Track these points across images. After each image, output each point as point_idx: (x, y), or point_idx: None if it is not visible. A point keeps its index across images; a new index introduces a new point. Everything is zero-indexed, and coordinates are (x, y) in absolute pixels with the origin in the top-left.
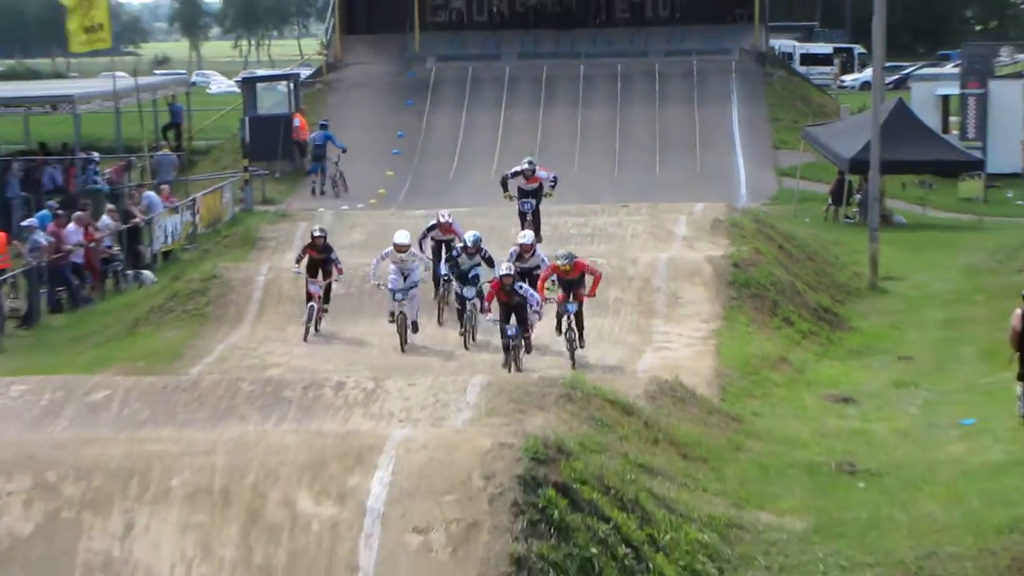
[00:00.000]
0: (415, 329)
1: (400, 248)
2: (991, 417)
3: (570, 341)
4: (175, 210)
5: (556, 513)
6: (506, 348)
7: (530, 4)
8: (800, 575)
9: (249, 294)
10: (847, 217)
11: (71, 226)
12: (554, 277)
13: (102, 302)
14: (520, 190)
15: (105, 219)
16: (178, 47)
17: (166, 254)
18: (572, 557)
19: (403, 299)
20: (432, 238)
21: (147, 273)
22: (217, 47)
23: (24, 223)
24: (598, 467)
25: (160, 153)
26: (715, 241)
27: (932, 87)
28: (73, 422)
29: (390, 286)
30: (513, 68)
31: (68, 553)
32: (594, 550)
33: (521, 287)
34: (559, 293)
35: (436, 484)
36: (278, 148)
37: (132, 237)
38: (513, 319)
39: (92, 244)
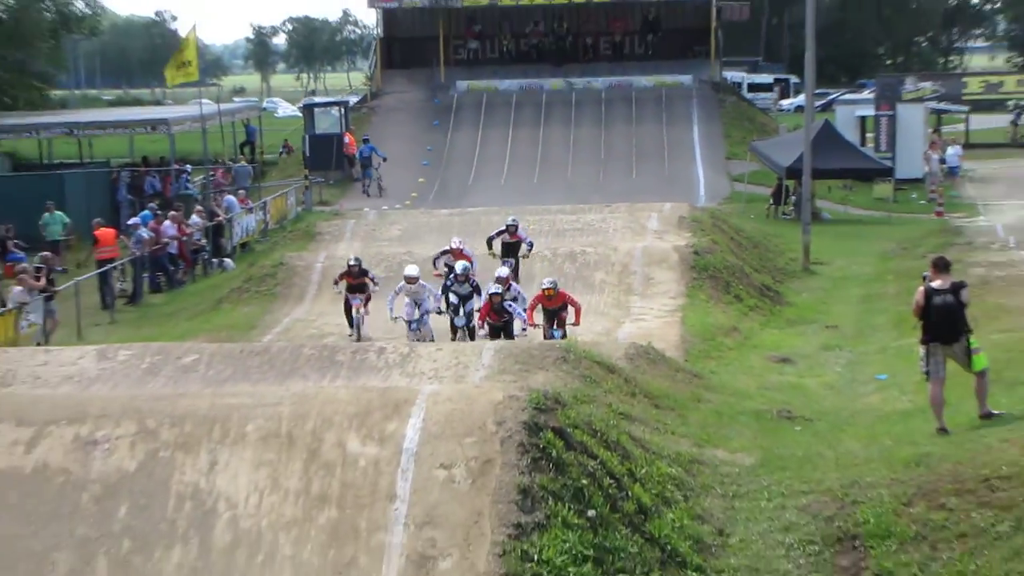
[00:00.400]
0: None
1: (410, 280)
2: (900, 373)
3: None
4: (250, 210)
5: (554, 451)
6: None
7: (532, 44)
8: (749, 501)
9: (309, 277)
10: (784, 214)
11: (167, 223)
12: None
13: (192, 284)
14: (503, 245)
15: (195, 218)
16: (251, 79)
17: (243, 245)
18: (567, 487)
19: (417, 329)
20: (445, 263)
21: (228, 261)
22: (283, 79)
23: (130, 221)
24: (587, 415)
25: (238, 165)
26: (680, 234)
27: (852, 110)
28: (169, 380)
29: (405, 318)
30: (518, 95)
31: (164, 485)
32: (584, 481)
33: (510, 306)
34: (543, 323)
35: (458, 429)
36: (332, 160)
37: (216, 232)
38: (502, 336)
39: (184, 238)
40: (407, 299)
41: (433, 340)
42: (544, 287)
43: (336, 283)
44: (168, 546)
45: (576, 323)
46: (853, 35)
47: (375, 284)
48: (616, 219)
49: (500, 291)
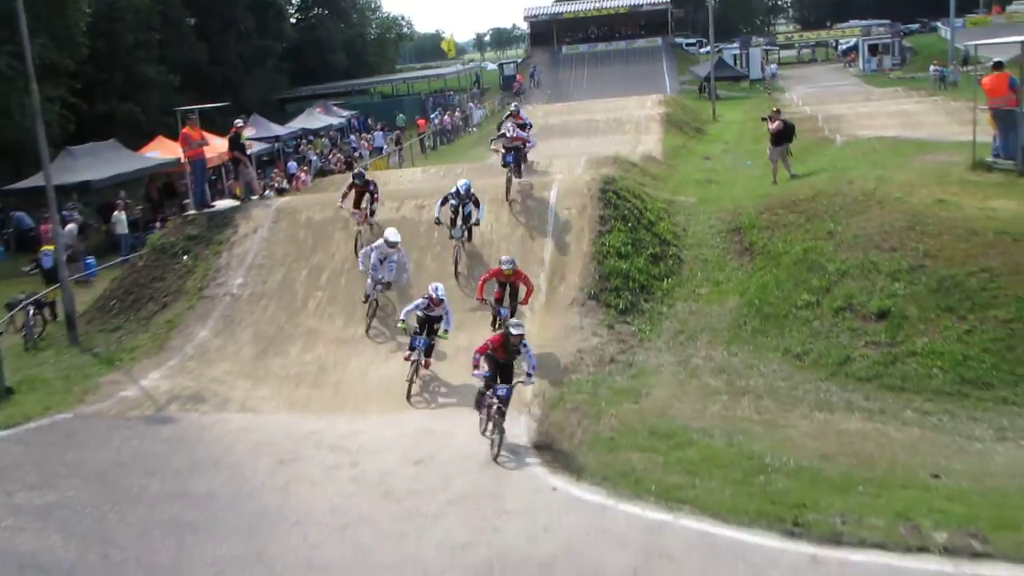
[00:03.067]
0: (388, 287)
1: (391, 245)
2: (755, 160)
3: None
4: (480, 109)
5: (613, 200)
6: (487, 406)
7: (592, 34)
8: (695, 216)
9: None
10: (703, 96)
11: (447, 117)
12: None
13: (457, 142)
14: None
15: (457, 112)
16: (476, 55)
17: (477, 125)
18: (619, 214)
19: (382, 290)
20: (500, 140)
21: (474, 129)
22: (490, 54)
23: (432, 116)
24: (626, 184)
25: (474, 91)
26: (660, 107)
27: (731, 51)
28: (449, 178)
29: (382, 277)
30: (588, 54)
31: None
32: (626, 211)
33: (526, 345)
34: (496, 290)
35: (572, 192)
36: (511, 86)
37: (465, 118)
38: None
39: (453, 122)
40: (378, 258)
41: (390, 283)
42: (504, 268)
43: (343, 198)
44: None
45: (524, 302)
46: (730, 20)
47: (377, 198)
48: (632, 103)
49: (521, 332)
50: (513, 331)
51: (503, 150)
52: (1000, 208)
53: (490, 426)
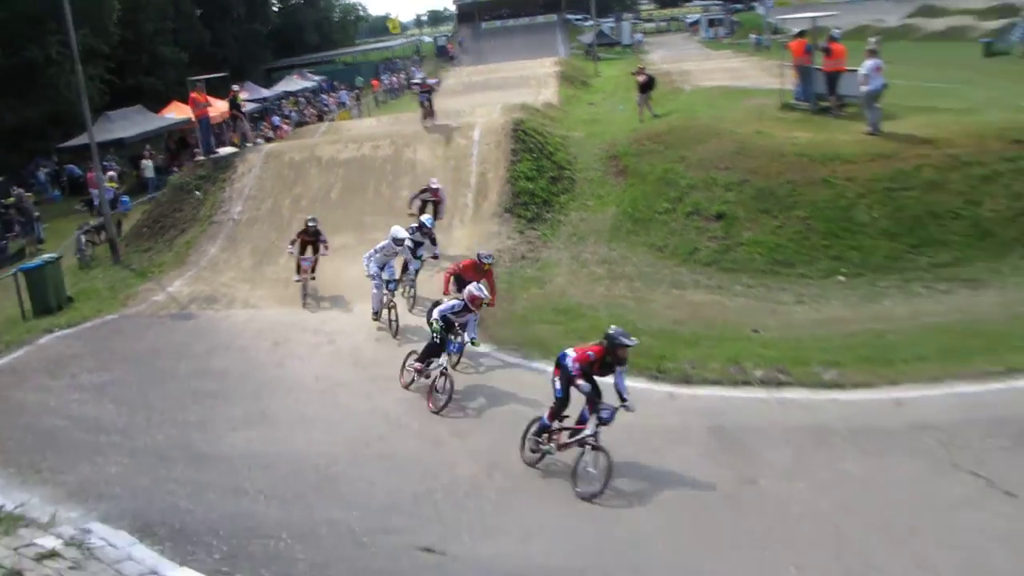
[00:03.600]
0: (396, 285)
1: (398, 242)
2: (627, 105)
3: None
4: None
5: (523, 136)
6: (583, 441)
7: (505, 13)
8: (583, 148)
9: (442, 89)
10: (589, 58)
11: (393, 78)
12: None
13: (401, 97)
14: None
15: (402, 74)
16: (417, 31)
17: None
18: (527, 147)
19: (395, 288)
20: (417, 206)
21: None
22: (427, 30)
23: (382, 78)
24: (532, 124)
25: (415, 58)
26: (555, 67)
27: (608, 24)
28: (397, 125)
29: (384, 276)
30: (506, 29)
31: (400, 157)
32: (532, 145)
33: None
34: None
35: (491, 131)
36: (445, 55)
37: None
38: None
39: (399, 82)
40: (380, 258)
41: (397, 281)
42: (483, 261)
43: (292, 244)
44: (404, 175)
45: (490, 303)
46: (607, 1)
47: (326, 248)
48: (535, 64)
49: (633, 343)
50: (627, 342)
51: (420, 93)
52: (800, 137)
53: (590, 453)
